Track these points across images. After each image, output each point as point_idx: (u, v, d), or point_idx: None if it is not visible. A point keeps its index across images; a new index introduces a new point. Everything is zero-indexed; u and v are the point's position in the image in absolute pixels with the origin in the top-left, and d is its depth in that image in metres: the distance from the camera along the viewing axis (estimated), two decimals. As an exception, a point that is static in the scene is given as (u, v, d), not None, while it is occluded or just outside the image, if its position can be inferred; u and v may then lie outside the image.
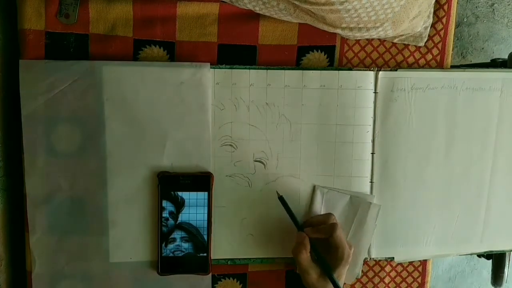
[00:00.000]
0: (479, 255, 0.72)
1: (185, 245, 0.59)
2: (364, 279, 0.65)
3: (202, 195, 0.58)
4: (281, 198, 0.58)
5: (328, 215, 0.58)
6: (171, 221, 0.58)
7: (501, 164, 0.65)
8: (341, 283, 0.54)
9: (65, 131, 0.57)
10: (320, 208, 0.61)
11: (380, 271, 0.65)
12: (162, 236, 0.58)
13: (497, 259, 0.74)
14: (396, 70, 0.61)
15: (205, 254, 0.59)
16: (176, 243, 0.59)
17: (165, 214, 0.58)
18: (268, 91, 0.59)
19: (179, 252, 0.59)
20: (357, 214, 0.61)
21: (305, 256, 0.54)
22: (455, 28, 0.63)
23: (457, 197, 0.64)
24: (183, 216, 0.58)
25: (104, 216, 0.58)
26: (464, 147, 0.63)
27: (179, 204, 0.58)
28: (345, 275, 0.56)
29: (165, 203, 0.58)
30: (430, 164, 0.63)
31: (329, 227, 0.56)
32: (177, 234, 0.58)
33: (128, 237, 0.59)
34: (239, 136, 0.60)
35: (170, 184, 0.58)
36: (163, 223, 0.58)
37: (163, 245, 0.58)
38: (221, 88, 0.59)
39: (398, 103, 0.61)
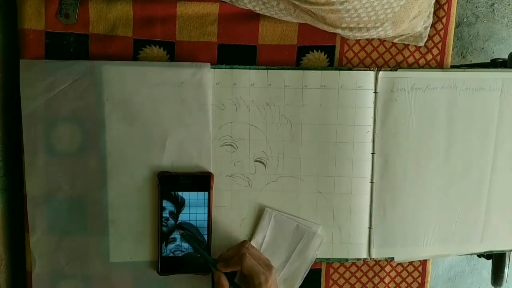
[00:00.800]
0: (479, 255, 0.72)
1: (185, 245, 0.59)
2: (364, 279, 0.65)
3: (202, 195, 0.58)
4: (183, 235, 0.57)
5: (240, 245, 0.57)
6: (171, 221, 0.58)
7: (501, 164, 0.65)
8: None
9: (65, 131, 0.57)
10: (266, 229, 0.61)
11: (380, 271, 0.65)
12: (162, 236, 0.58)
13: (497, 259, 0.74)
14: (396, 70, 0.61)
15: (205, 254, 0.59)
16: (176, 243, 0.59)
17: (165, 214, 0.58)
18: (268, 91, 0.59)
19: (179, 252, 0.59)
20: (300, 241, 0.61)
21: None
22: (455, 28, 0.63)
23: (457, 197, 0.64)
24: (183, 216, 0.58)
25: (104, 216, 0.58)
26: (464, 147, 0.63)
27: (179, 204, 0.58)
28: None
29: (165, 203, 0.58)
30: (430, 164, 0.63)
31: (238, 258, 0.55)
32: (177, 234, 0.58)
33: (128, 237, 0.59)
34: (240, 136, 0.60)
35: (170, 184, 0.58)
36: (163, 223, 0.58)
37: (163, 245, 0.58)
38: (222, 88, 0.59)
39: (398, 103, 0.61)
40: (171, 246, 0.59)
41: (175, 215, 0.58)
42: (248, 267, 0.54)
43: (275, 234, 0.61)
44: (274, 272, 0.56)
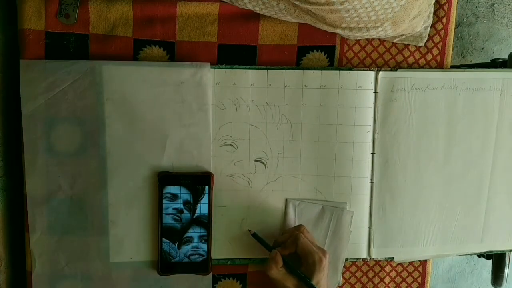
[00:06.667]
0: (479, 255, 0.72)
1: (204, 246, 0.59)
2: (364, 279, 0.65)
3: (202, 195, 0.59)
4: (254, 235, 0.58)
5: (293, 228, 0.58)
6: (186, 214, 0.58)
7: (501, 164, 0.65)
8: None
9: (65, 131, 0.57)
10: (293, 220, 0.61)
11: (380, 271, 0.65)
12: (178, 235, 0.58)
13: (497, 259, 0.74)
14: (396, 70, 0.61)
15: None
16: (193, 243, 0.59)
17: (178, 206, 0.58)
18: (268, 91, 0.59)
19: (196, 256, 0.59)
20: (331, 222, 0.61)
21: (276, 271, 0.54)
22: (455, 28, 0.63)
23: (457, 197, 0.64)
24: (183, 216, 0.58)
25: (104, 216, 0.58)
26: (464, 147, 0.63)
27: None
28: (324, 281, 0.55)
29: (166, 203, 0.58)
30: (430, 164, 0.63)
31: (292, 239, 0.55)
32: (193, 233, 0.58)
33: (128, 237, 0.59)
34: (240, 136, 0.60)
35: (171, 184, 0.58)
36: (176, 219, 0.58)
37: (177, 247, 0.58)
38: (222, 88, 0.59)
39: (398, 103, 0.61)
40: (186, 247, 0.58)
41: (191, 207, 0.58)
42: (303, 245, 0.54)
43: (303, 222, 0.60)
44: (328, 256, 0.55)
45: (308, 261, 0.54)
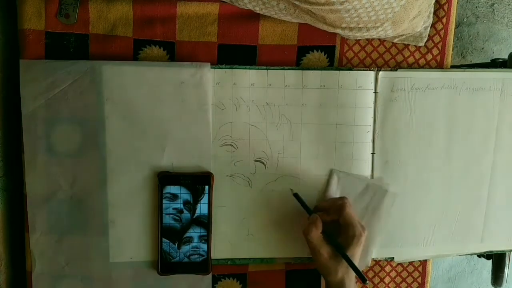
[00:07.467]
0: (479, 255, 0.72)
1: (204, 246, 0.59)
2: (364, 279, 0.65)
3: (202, 195, 0.59)
4: (296, 195, 0.58)
5: (339, 198, 0.57)
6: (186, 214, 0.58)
7: (501, 164, 0.65)
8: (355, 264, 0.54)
9: (65, 131, 0.57)
10: (335, 192, 0.60)
11: (380, 271, 0.65)
12: (177, 235, 0.58)
13: (497, 259, 0.74)
14: (396, 70, 0.61)
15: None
16: (193, 243, 0.59)
17: (177, 206, 0.58)
18: (268, 91, 0.59)
19: (196, 256, 0.59)
20: (372, 201, 0.61)
21: (315, 234, 0.54)
22: (455, 28, 0.63)
23: (457, 197, 0.64)
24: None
25: (104, 216, 0.58)
26: (464, 147, 0.63)
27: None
28: (358, 256, 0.55)
29: (166, 203, 0.58)
30: (430, 164, 0.63)
31: (338, 207, 0.55)
32: (193, 233, 0.58)
33: (128, 237, 0.59)
34: (240, 136, 0.60)
35: (170, 184, 0.58)
36: (176, 219, 0.58)
37: (177, 247, 0.58)
38: (222, 88, 0.59)
39: (398, 103, 0.61)
40: (186, 247, 0.58)
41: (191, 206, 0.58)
42: (348, 215, 0.54)
43: (345, 195, 0.60)
44: (367, 233, 0.55)
45: (348, 233, 0.54)
